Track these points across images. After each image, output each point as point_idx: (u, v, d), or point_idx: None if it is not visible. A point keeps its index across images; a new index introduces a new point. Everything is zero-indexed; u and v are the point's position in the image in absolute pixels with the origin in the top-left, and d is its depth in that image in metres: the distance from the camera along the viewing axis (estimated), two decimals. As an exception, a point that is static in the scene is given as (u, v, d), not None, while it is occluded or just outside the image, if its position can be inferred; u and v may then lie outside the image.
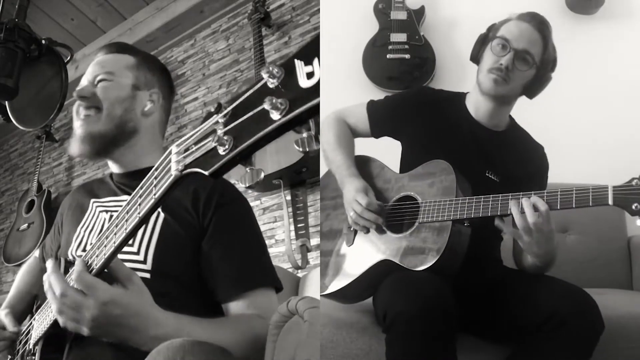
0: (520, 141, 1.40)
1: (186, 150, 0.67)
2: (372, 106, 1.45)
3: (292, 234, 2.22)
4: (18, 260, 3.22)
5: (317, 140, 0.58)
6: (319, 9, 2.49)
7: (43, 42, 1.36)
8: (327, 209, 1.43)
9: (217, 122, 0.62)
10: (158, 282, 1.00)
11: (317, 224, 2.20)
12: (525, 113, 2.03)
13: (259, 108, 0.57)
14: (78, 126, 1.16)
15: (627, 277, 1.78)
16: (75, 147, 1.16)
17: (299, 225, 2.23)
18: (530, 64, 1.31)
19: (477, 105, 1.37)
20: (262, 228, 2.38)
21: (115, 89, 1.18)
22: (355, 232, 1.36)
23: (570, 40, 2.09)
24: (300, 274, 2.09)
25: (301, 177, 2.24)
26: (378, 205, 1.29)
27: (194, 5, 2.90)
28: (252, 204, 2.44)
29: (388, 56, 2.11)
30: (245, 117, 0.59)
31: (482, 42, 1.37)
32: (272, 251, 2.34)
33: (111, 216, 1.12)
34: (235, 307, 1.04)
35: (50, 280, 0.84)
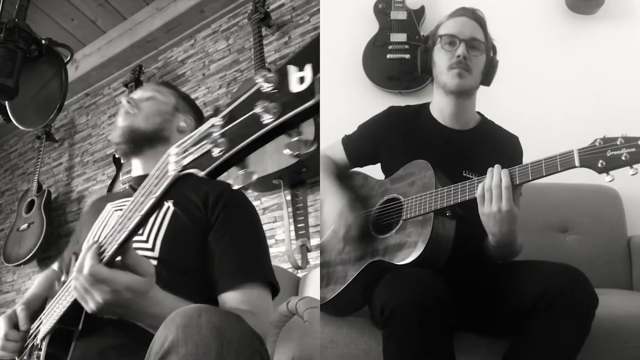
0: (491, 135, 1.43)
1: (184, 151, 0.69)
2: (346, 140, 1.50)
3: (292, 234, 2.22)
4: (18, 260, 3.22)
5: (308, 145, 0.59)
6: (319, 9, 2.49)
7: (43, 42, 1.36)
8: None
9: (213, 125, 0.65)
10: (164, 270, 1.04)
11: (317, 224, 2.20)
12: (526, 113, 2.03)
13: (251, 112, 0.59)
14: (120, 117, 1.29)
15: (627, 277, 1.78)
16: (116, 134, 1.28)
17: (299, 225, 2.22)
18: (481, 50, 1.36)
19: (442, 110, 1.41)
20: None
21: (159, 103, 1.33)
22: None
23: (570, 40, 2.10)
24: (300, 274, 2.09)
25: (301, 177, 2.24)
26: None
27: (194, 5, 2.90)
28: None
29: (388, 56, 2.11)
30: (239, 120, 0.62)
31: (426, 52, 1.42)
32: (272, 251, 2.34)
33: None
34: (230, 297, 1.07)
35: (83, 257, 0.86)
